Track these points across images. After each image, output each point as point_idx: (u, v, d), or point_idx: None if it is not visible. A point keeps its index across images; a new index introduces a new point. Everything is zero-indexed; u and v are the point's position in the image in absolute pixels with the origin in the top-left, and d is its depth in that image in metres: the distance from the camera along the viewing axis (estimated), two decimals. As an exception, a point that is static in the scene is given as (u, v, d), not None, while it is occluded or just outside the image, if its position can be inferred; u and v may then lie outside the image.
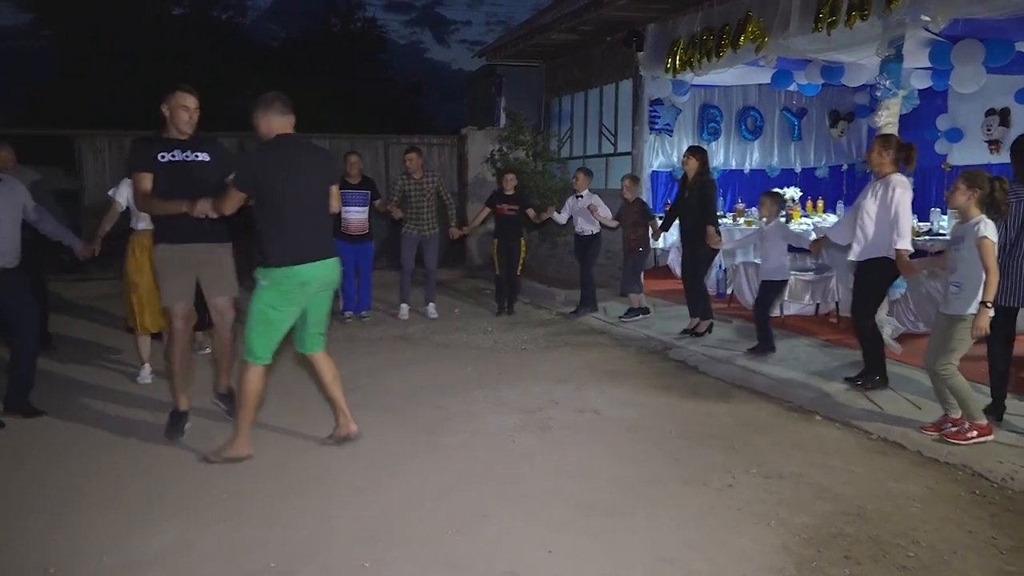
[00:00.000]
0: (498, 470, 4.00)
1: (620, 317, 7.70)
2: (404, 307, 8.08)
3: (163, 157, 4.26)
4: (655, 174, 9.96)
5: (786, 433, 4.60)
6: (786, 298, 7.24)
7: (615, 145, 10.60)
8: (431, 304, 8.17)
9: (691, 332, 6.95)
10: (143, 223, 5.36)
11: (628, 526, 3.37)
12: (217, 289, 4.49)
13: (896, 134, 5.25)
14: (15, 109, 21.47)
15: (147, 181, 4.24)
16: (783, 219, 6.71)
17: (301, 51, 27.84)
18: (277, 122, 3.97)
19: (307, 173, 4.01)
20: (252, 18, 44.99)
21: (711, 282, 8.54)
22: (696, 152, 6.86)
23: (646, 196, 9.13)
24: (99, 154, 10.48)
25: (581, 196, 7.95)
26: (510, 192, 8.15)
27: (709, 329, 6.94)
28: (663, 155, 10.25)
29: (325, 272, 4.05)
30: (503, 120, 12.14)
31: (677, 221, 7.20)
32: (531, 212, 8.19)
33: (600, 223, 7.79)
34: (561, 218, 8.14)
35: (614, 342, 7.04)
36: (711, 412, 5.00)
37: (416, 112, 30.50)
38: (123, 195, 5.51)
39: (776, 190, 6.61)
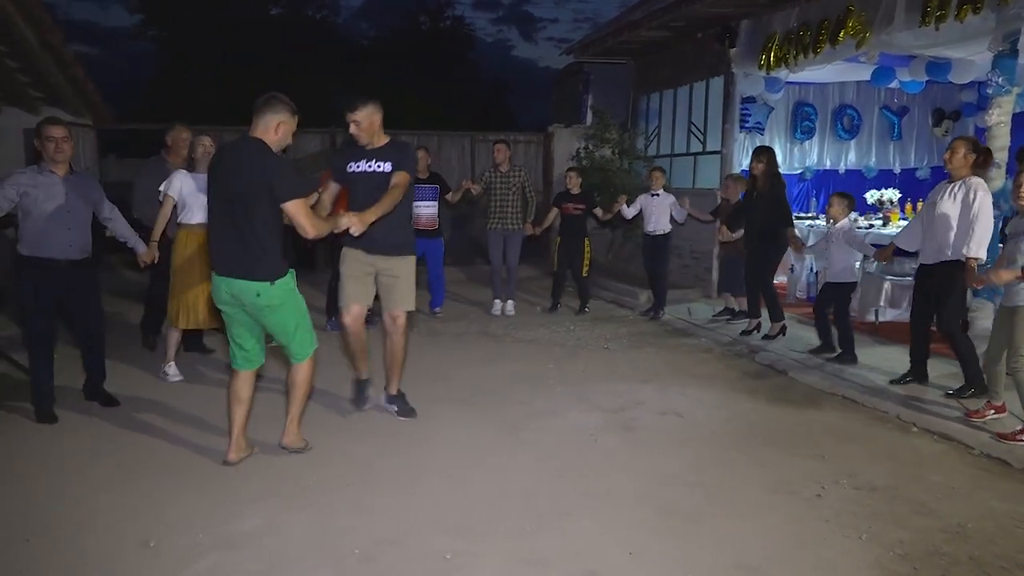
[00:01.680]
0: (580, 469, 3.99)
1: (715, 316, 7.59)
2: (497, 303, 8.13)
3: (351, 168, 4.49)
4: (745, 173, 9.72)
5: (880, 444, 4.42)
6: (882, 303, 6.97)
7: (704, 144, 10.39)
8: (510, 301, 8.17)
9: (749, 332, 6.92)
10: (198, 216, 5.22)
11: (710, 532, 3.31)
12: (390, 301, 4.64)
13: (1008, 135, 5.00)
14: (125, 106, 22.65)
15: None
16: (854, 220, 6.48)
17: (391, 49, 28.37)
18: (255, 123, 3.73)
19: (233, 181, 3.63)
20: (344, 17, 46.09)
21: (801, 285, 8.31)
22: (763, 153, 6.79)
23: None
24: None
25: (657, 195, 7.89)
26: (575, 191, 8.12)
27: (782, 331, 6.81)
28: (754, 154, 9.97)
29: (227, 288, 3.72)
30: (589, 118, 12.06)
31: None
32: (599, 211, 8.20)
33: (691, 217, 7.84)
34: (628, 212, 8.06)
35: (699, 343, 6.92)
36: (799, 419, 4.85)
37: (502, 109, 30.66)
38: (175, 189, 5.28)
39: (846, 192, 6.35)
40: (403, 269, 4.61)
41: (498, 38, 66.27)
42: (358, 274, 4.60)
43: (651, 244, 8.00)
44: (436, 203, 7.61)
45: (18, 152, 8.83)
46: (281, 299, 3.76)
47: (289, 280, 3.80)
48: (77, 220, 4.61)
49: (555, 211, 8.22)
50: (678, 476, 3.90)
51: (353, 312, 4.63)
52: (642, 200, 8.02)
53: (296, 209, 3.66)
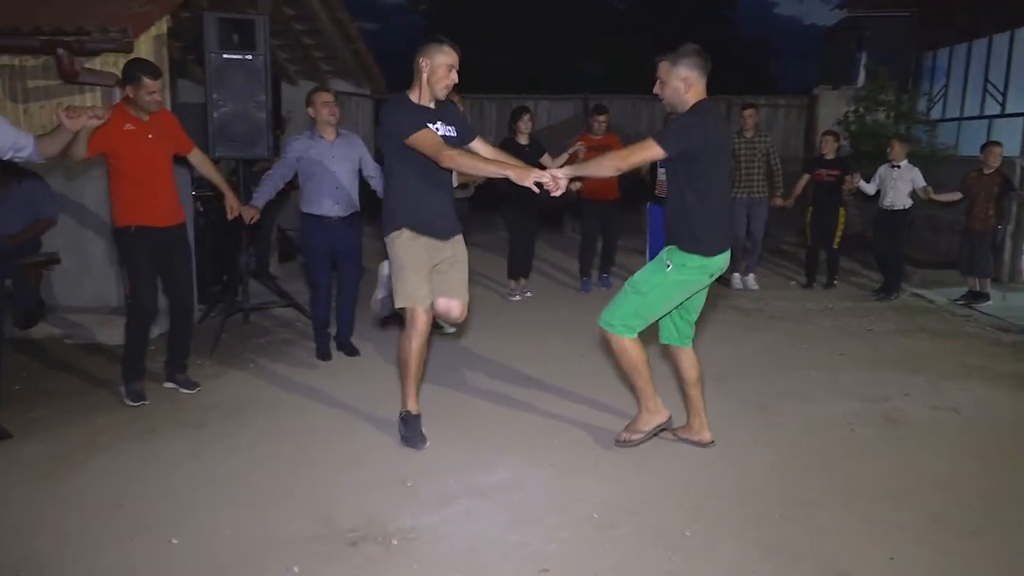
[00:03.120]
0: (833, 459, 3.71)
1: (954, 300, 6.82)
2: (736, 276, 7.76)
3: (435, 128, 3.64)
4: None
5: None
6: None
7: (1003, 105, 9.11)
8: (751, 275, 7.76)
9: None
10: None
11: (992, 549, 2.92)
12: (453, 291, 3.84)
13: None
14: (398, 76, 24.48)
15: (433, 135, 3.53)
16: None
17: (646, 12, 27.88)
18: (700, 84, 3.38)
19: (729, 149, 3.55)
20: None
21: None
22: None
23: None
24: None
25: (897, 167, 7.20)
26: (830, 156, 7.58)
27: None
28: (1067, 116, 8.59)
29: (725, 263, 3.55)
30: (862, 78, 11.03)
31: None
32: (849, 179, 7.53)
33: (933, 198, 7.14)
34: (869, 188, 7.42)
35: (983, 332, 6.13)
36: (1112, 430, 4.13)
37: (762, 72, 29.01)
38: None
39: None
40: (462, 251, 3.87)
41: (760, -6, 62.38)
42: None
43: (887, 220, 7.32)
44: None
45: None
46: None
47: None
48: (344, 179, 4.98)
49: (806, 178, 7.71)
50: (952, 480, 3.49)
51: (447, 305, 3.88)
52: (881, 172, 7.35)
53: None
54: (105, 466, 3.53)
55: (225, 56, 5.42)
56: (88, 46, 5.04)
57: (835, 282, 7.72)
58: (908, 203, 7.22)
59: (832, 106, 11.03)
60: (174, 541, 2.89)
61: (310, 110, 4.99)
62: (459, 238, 3.87)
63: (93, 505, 3.16)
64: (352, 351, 5.28)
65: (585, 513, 3.14)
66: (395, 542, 2.90)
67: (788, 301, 7.16)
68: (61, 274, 5.99)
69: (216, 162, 5.58)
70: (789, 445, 3.88)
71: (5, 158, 3.61)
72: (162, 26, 5.70)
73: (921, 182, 7.14)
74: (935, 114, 10.51)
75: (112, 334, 5.26)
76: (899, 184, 7.19)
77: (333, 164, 4.95)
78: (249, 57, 5.47)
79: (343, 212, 5.03)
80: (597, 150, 7.11)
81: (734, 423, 4.15)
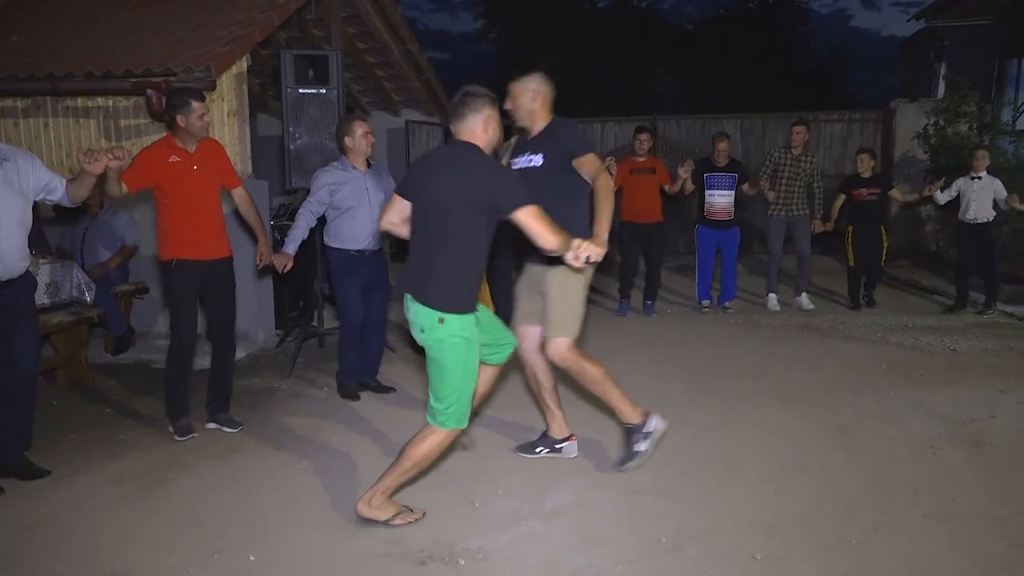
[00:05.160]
0: (914, 482, 3.58)
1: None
2: (772, 297, 7.51)
3: (514, 164, 3.73)
4: None
5: None
6: None
7: (1095, 112, 8.69)
8: (803, 294, 7.50)
9: None
10: None
11: (1086, 577, 2.77)
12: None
13: None
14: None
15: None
16: None
17: (717, 30, 27.70)
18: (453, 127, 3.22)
19: (439, 192, 3.07)
20: (668, 3, 45.89)
21: None
22: None
23: None
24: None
25: (978, 178, 7.03)
26: (867, 174, 7.34)
27: None
28: None
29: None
30: (942, 90, 10.70)
31: None
32: (896, 194, 7.42)
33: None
34: (941, 198, 7.27)
35: (1078, 352, 5.83)
36: None
37: (838, 86, 28.42)
38: None
39: None
40: (554, 283, 3.56)
41: (836, 8, 60.98)
42: (526, 288, 3.81)
43: (973, 234, 7.10)
44: (733, 192, 7.25)
45: (382, 148, 10.17)
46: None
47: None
48: (376, 212, 4.65)
49: (842, 198, 7.45)
50: (1043, 506, 3.33)
51: (519, 333, 3.75)
52: (960, 184, 7.15)
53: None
54: (189, 484, 3.69)
55: (301, 90, 5.66)
56: (175, 86, 5.33)
57: (875, 304, 7.53)
58: (992, 215, 7.06)
59: (910, 119, 10.70)
60: (251, 558, 2.99)
61: (347, 139, 4.71)
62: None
63: (178, 522, 3.31)
64: (381, 388, 5.07)
65: (653, 535, 3.12)
66: (462, 562, 2.94)
67: (863, 321, 6.95)
68: (150, 302, 6.32)
69: (293, 192, 5.82)
70: (868, 468, 3.76)
71: (36, 199, 3.64)
72: (242, 64, 5.99)
73: (1003, 192, 6.98)
74: (1021, 124, 10.08)
75: (197, 360, 5.48)
76: (982, 196, 7.01)
77: (366, 196, 4.73)
78: (323, 91, 5.69)
79: (376, 245, 4.85)
80: (641, 172, 7.10)
81: (810, 445, 4.06)
